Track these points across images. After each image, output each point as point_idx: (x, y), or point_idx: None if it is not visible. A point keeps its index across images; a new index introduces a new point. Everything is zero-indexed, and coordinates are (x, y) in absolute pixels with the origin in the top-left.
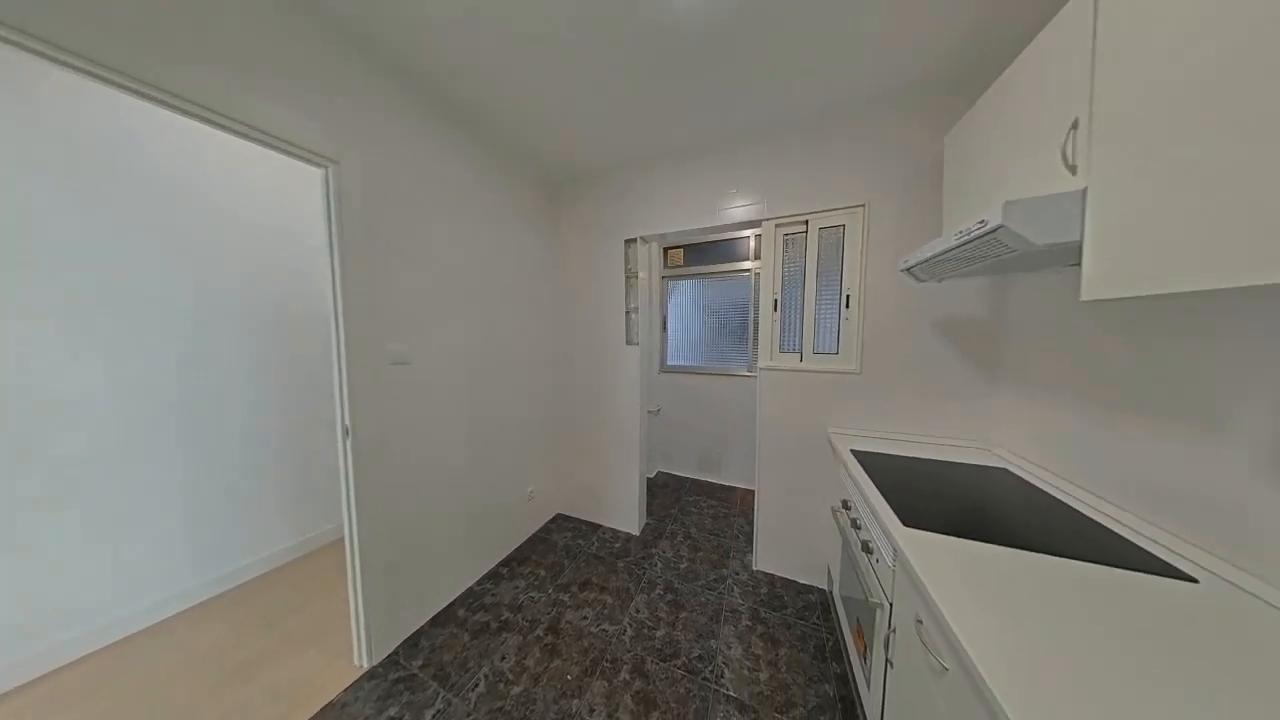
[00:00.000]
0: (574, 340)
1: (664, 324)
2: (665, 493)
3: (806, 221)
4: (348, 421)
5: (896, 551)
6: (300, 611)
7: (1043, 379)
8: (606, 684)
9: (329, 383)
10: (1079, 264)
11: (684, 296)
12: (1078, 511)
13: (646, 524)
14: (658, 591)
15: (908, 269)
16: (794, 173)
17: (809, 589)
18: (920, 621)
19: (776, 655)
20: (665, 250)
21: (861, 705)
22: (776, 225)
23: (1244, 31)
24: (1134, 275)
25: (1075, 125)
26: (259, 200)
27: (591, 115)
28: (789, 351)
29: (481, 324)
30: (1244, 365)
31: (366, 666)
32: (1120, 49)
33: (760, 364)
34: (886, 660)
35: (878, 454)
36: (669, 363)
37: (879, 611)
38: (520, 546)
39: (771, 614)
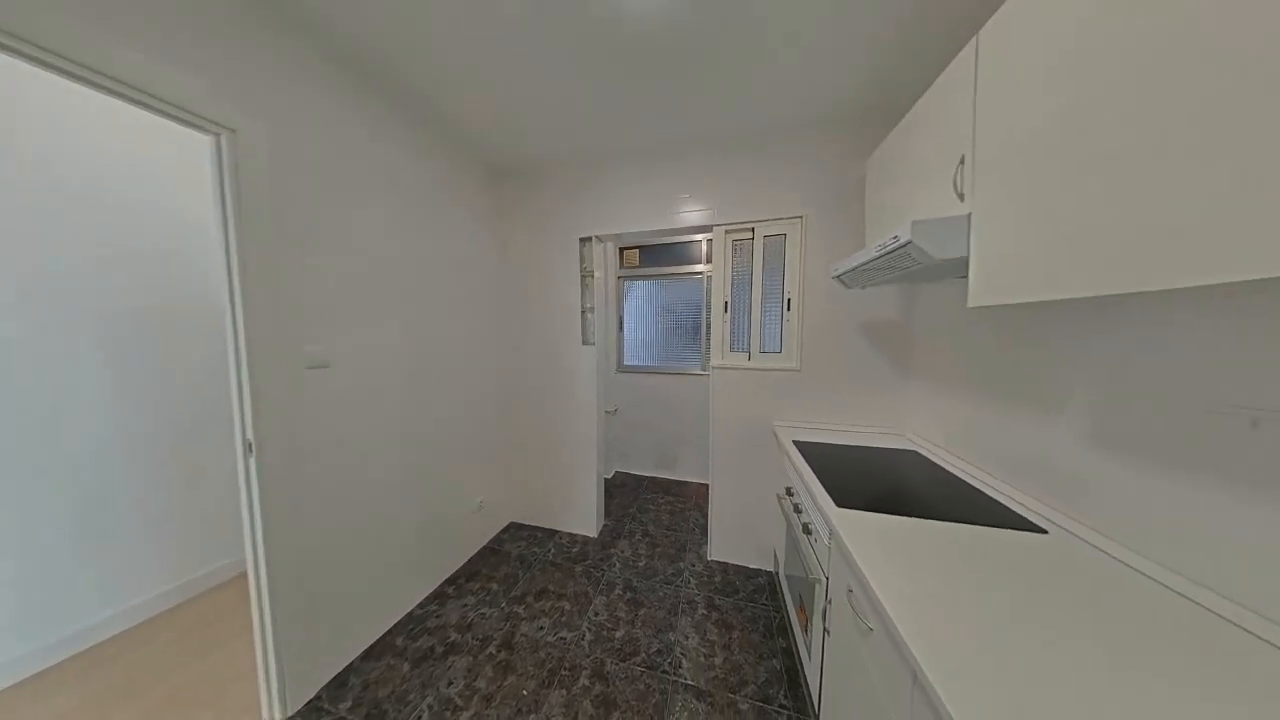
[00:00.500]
0: (527, 340)
1: (620, 324)
2: (623, 492)
3: (753, 229)
4: (250, 435)
5: (831, 530)
6: (186, 667)
7: (942, 373)
8: (565, 693)
9: (224, 390)
10: (967, 276)
11: (640, 297)
12: (966, 483)
13: (605, 525)
14: (617, 591)
15: (838, 276)
16: (741, 183)
17: (758, 572)
18: (851, 591)
19: (730, 639)
20: (621, 250)
21: (804, 674)
22: (726, 231)
23: (1072, 95)
24: (1002, 287)
25: (962, 161)
26: (117, 170)
27: (542, 108)
28: (738, 351)
29: (421, 322)
30: (1072, 361)
31: (280, 718)
32: (991, 102)
33: (713, 363)
34: (824, 630)
35: (816, 443)
36: (626, 363)
37: (817, 586)
38: (470, 561)
39: (725, 600)
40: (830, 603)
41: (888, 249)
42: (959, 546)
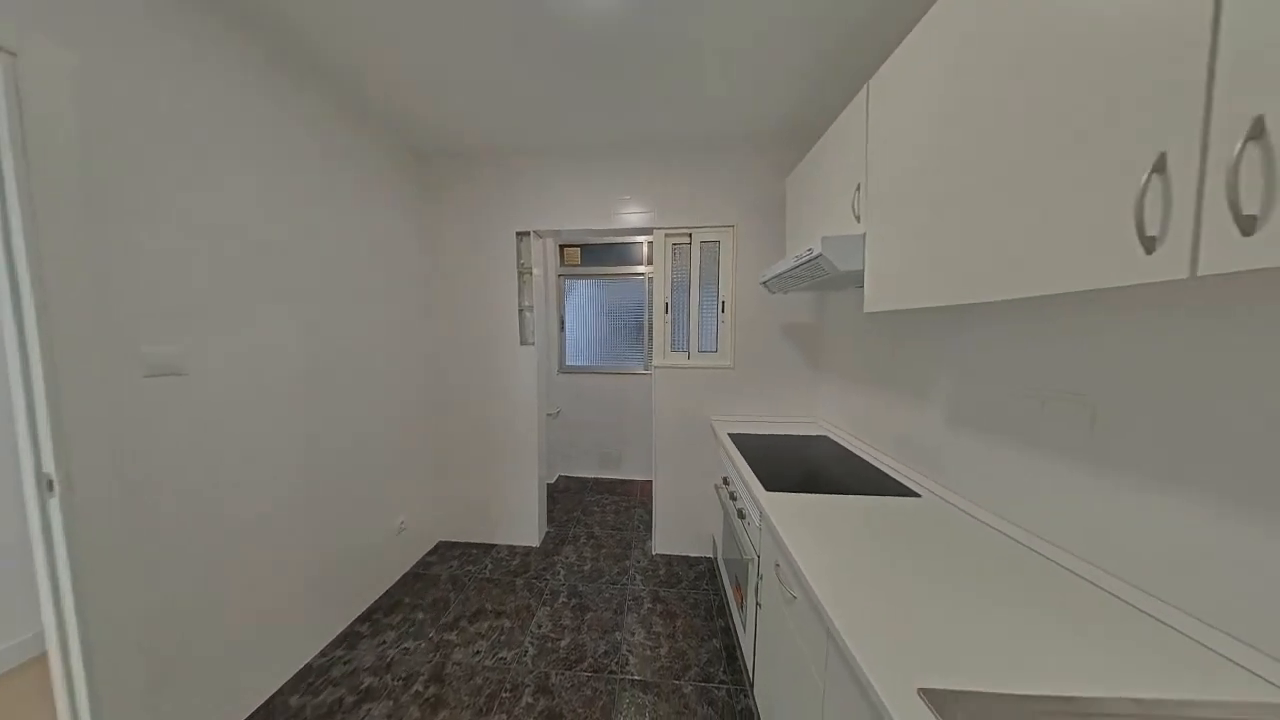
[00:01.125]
0: (459, 340)
1: (562, 323)
2: (567, 497)
3: (690, 234)
4: (51, 468)
5: (762, 512)
6: None
7: (846, 368)
8: (506, 716)
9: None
10: (863, 286)
11: (582, 296)
12: (865, 460)
13: (548, 533)
14: (562, 599)
15: (764, 282)
16: (680, 189)
17: (699, 560)
18: (778, 565)
19: (674, 627)
20: (561, 248)
21: (740, 647)
22: (666, 235)
23: (935, 143)
24: (888, 296)
25: (858, 188)
26: None
27: (475, 89)
28: (679, 351)
29: (324, 320)
30: (938, 358)
31: None
32: (878, 141)
33: (655, 362)
34: (757, 604)
35: (748, 434)
36: (568, 363)
37: (751, 565)
38: (389, 591)
39: (669, 591)
40: (761, 578)
41: (803, 260)
42: (860, 514)
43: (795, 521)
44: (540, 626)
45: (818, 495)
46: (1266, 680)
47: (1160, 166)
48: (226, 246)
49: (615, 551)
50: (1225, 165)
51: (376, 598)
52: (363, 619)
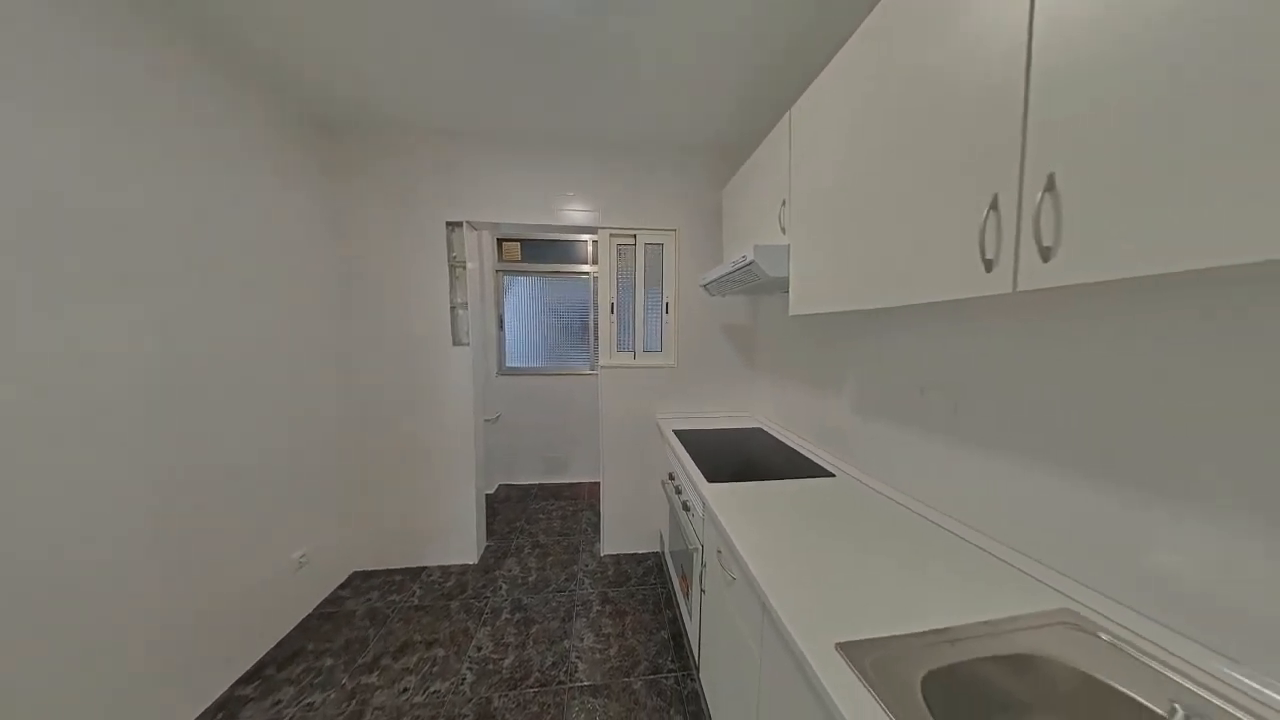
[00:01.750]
0: (380, 341)
1: (500, 322)
2: (509, 506)
3: (635, 235)
4: None
5: (705, 503)
6: None
7: (776, 366)
8: None
9: None
10: (789, 291)
11: (523, 294)
12: (792, 448)
13: (488, 547)
14: (504, 616)
15: (704, 285)
16: (626, 191)
17: (647, 556)
18: (720, 551)
19: (623, 625)
20: (500, 242)
21: (686, 634)
22: (611, 235)
23: (844, 168)
24: (808, 301)
25: (784, 203)
26: None
27: (388, 58)
28: (624, 351)
29: (186, 316)
30: (849, 356)
31: None
32: (800, 162)
33: (601, 363)
34: (701, 590)
35: (691, 430)
36: (508, 365)
37: (695, 554)
38: (285, 639)
39: (618, 591)
40: (705, 566)
41: (738, 265)
42: (787, 497)
43: (734, 509)
44: (480, 649)
45: (753, 483)
46: (1063, 593)
47: (995, 205)
48: (28, 219)
49: (562, 558)
50: (1032, 208)
51: (267, 649)
52: (248, 678)
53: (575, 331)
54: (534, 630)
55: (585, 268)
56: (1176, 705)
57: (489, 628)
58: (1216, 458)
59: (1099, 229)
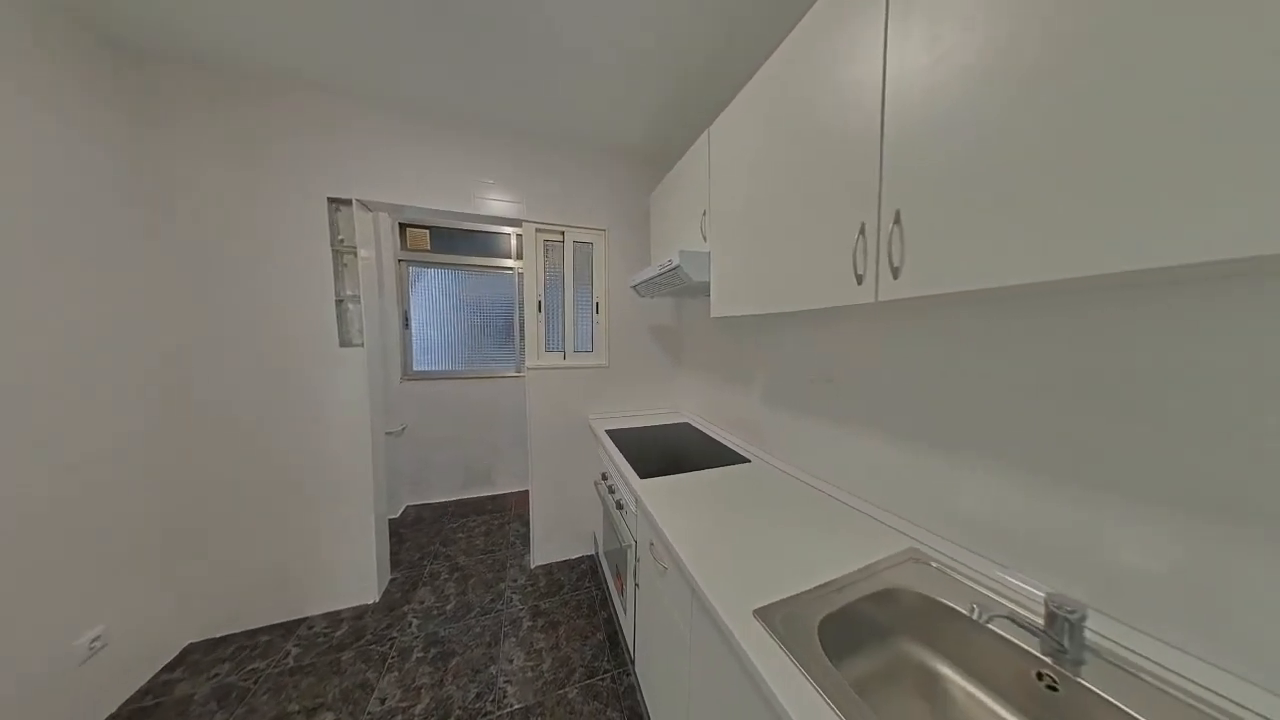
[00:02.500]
0: (228, 342)
1: (406, 320)
2: (420, 530)
3: (563, 233)
4: None
5: (637, 498)
6: None
7: (700, 364)
8: None
9: None
10: (710, 295)
11: (434, 288)
12: (714, 439)
13: (393, 580)
14: (416, 655)
15: (633, 286)
16: (553, 186)
17: (580, 560)
18: (652, 544)
19: (557, 636)
20: (403, 227)
21: (621, 631)
22: (537, 230)
23: (751, 188)
24: (726, 304)
25: (705, 213)
26: None
27: None
28: (553, 351)
29: None
30: (759, 353)
31: None
32: (718, 177)
33: (528, 364)
34: (635, 585)
35: (623, 429)
36: (416, 368)
37: (629, 550)
38: None
39: (550, 602)
40: (639, 561)
41: (665, 269)
42: (710, 484)
43: (664, 501)
44: (384, 700)
45: (681, 475)
46: (910, 536)
47: (862, 231)
48: None
49: (486, 577)
50: (886, 236)
51: None
52: None
53: (499, 330)
54: (454, 663)
55: (509, 262)
56: (974, 605)
57: (395, 673)
58: (994, 426)
59: (928, 255)
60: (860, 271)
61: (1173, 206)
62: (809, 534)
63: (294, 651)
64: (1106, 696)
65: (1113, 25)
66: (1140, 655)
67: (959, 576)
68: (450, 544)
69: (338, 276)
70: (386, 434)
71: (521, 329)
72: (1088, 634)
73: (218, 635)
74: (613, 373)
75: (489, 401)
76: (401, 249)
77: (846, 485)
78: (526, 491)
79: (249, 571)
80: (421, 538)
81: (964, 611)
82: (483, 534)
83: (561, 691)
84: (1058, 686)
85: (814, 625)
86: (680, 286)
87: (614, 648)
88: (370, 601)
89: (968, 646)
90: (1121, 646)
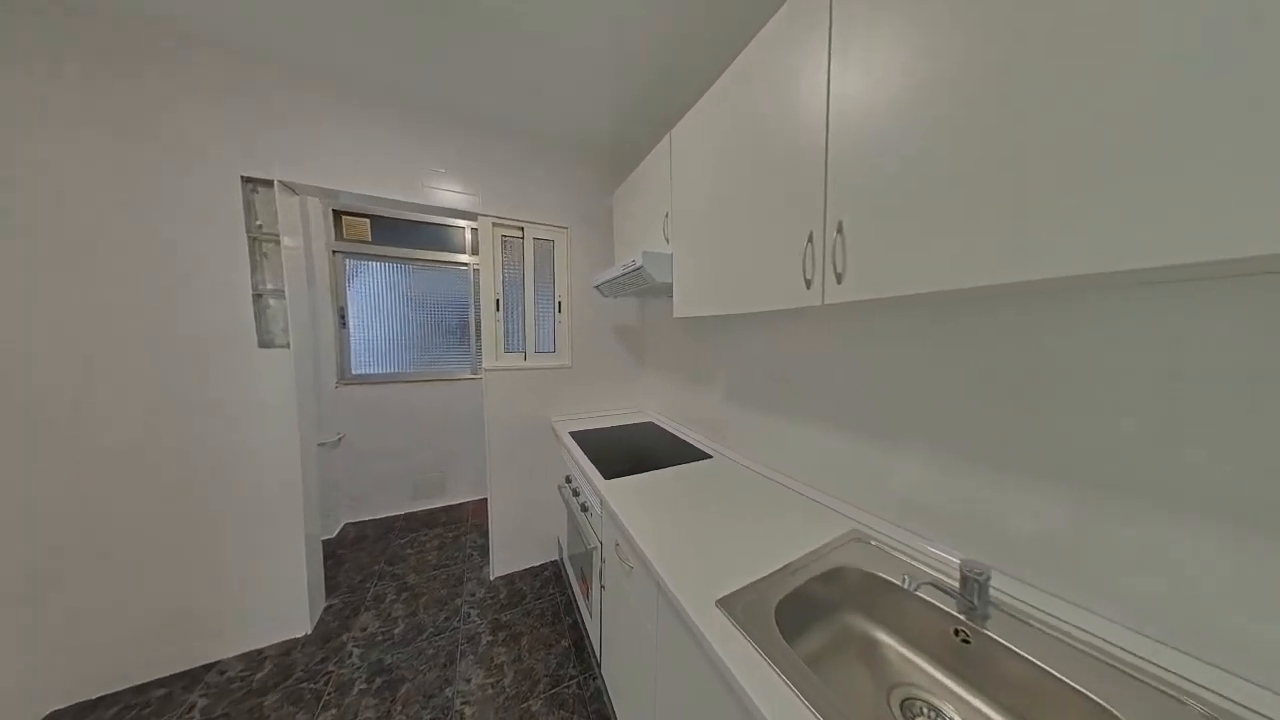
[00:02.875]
0: (106, 343)
1: (342, 318)
2: (360, 550)
3: (523, 228)
4: None
5: (602, 500)
6: None
7: (663, 363)
8: None
9: None
10: (673, 296)
11: (376, 283)
12: (678, 437)
13: (328, 608)
14: (358, 689)
15: (597, 286)
16: (512, 180)
17: (544, 567)
18: (618, 544)
19: (520, 648)
20: (338, 215)
21: (588, 635)
22: (495, 224)
23: (711, 192)
24: (689, 305)
25: (667, 215)
26: None
27: None
28: (513, 351)
29: None
30: (722, 353)
31: None
32: (680, 180)
33: (486, 365)
34: (601, 586)
35: (587, 430)
36: (355, 371)
37: (595, 553)
38: None
39: (511, 613)
40: (605, 563)
41: (629, 269)
42: (674, 481)
43: (630, 501)
44: None
45: (646, 474)
46: (852, 519)
47: (811, 239)
48: None
49: (440, 594)
50: (830, 244)
51: None
52: None
53: (453, 329)
54: (404, 691)
55: (463, 258)
56: (906, 576)
57: (332, 711)
58: (921, 416)
59: (866, 263)
60: (809, 276)
61: (1050, 227)
62: (766, 523)
63: (200, 704)
64: (1007, 644)
65: (1002, 78)
66: (1032, 606)
67: (893, 552)
68: (398, 562)
69: (256, 268)
70: (319, 445)
71: (478, 328)
72: (992, 592)
73: (94, 696)
74: (576, 373)
75: (441, 406)
76: (337, 239)
77: (799, 475)
78: (485, 500)
79: (137, 616)
80: (363, 558)
81: (897, 582)
82: (435, 548)
83: (525, 705)
84: (970, 640)
85: (771, 609)
86: (644, 287)
87: (580, 653)
88: (301, 634)
89: (900, 614)
90: (1018, 600)
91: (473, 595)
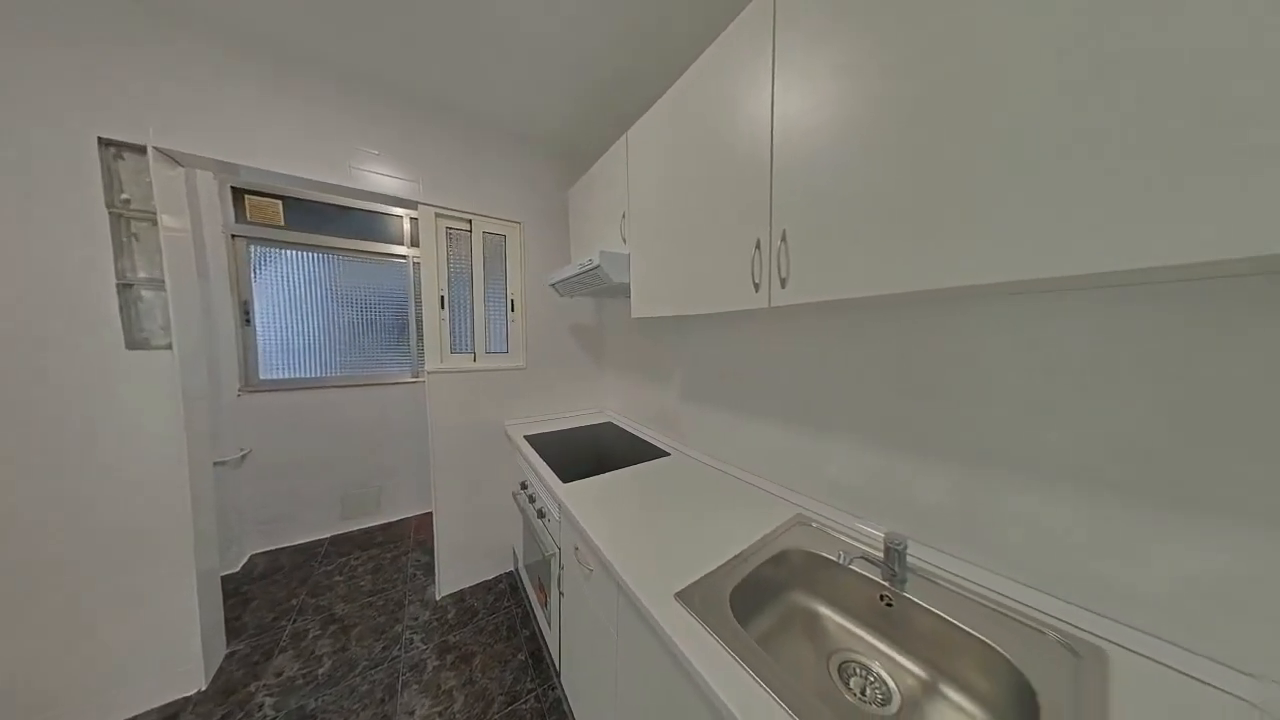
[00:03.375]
0: None
1: (247, 314)
2: (273, 584)
3: (470, 221)
4: None
5: (560, 505)
6: None
7: (622, 363)
8: None
9: None
10: (630, 296)
11: (292, 274)
12: (637, 436)
13: (229, 655)
14: None
15: (552, 284)
16: (457, 167)
17: (498, 580)
18: (577, 548)
19: (471, 669)
20: (240, 194)
21: (546, 645)
22: (438, 215)
23: (665, 195)
24: (646, 305)
25: (624, 215)
26: None
27: None
28: (461, 352)
29: None
30: (678, 352)
31: None
32: (636, 182)
33: (429, 367)
34: (560, 593)
35: (544, 433)
36: (265, 375)
37: (553, 559)
38: None
39: (461, 633)
40: (563, 568)
41: (585, 268)
42: (633, 480)
43: (589, 503)
44: None
45: (606, 475)
46: (796, 504)
47: (759, 245)
48: None
49: (376, 623)
50: (775, 251)
51: None
52: None
53: (388, 328)
54: None
55: (400, 249)
56: (841, 552)
57: None
58: (851, 407)
59: (806, 269)
60: (757, 280)
61: (945, 245)
62: (721, 515)
63: None
64: (922, 603)
65: (910, 118)
66: (938, 568)
67: (831, 531)
68: (323, 592)
69: (122, 252)
70: (216, 464)
71: (419, 327)
72: (910, 559)
73: None
74: (531, 374)
75: (377, 413)
76: (239, 221)
77: (751, 467)
78: (429, 514)
79: None
80: (277, 592)
81: (834, 559)
82: (370, 572)
83: None
84: (893, 603)
85: (726, 596)
86: (601, 286)
87: (538, 665)
88: (194, 690)
89: (837, 587)
90: (929, 564)
91: (416, 619)
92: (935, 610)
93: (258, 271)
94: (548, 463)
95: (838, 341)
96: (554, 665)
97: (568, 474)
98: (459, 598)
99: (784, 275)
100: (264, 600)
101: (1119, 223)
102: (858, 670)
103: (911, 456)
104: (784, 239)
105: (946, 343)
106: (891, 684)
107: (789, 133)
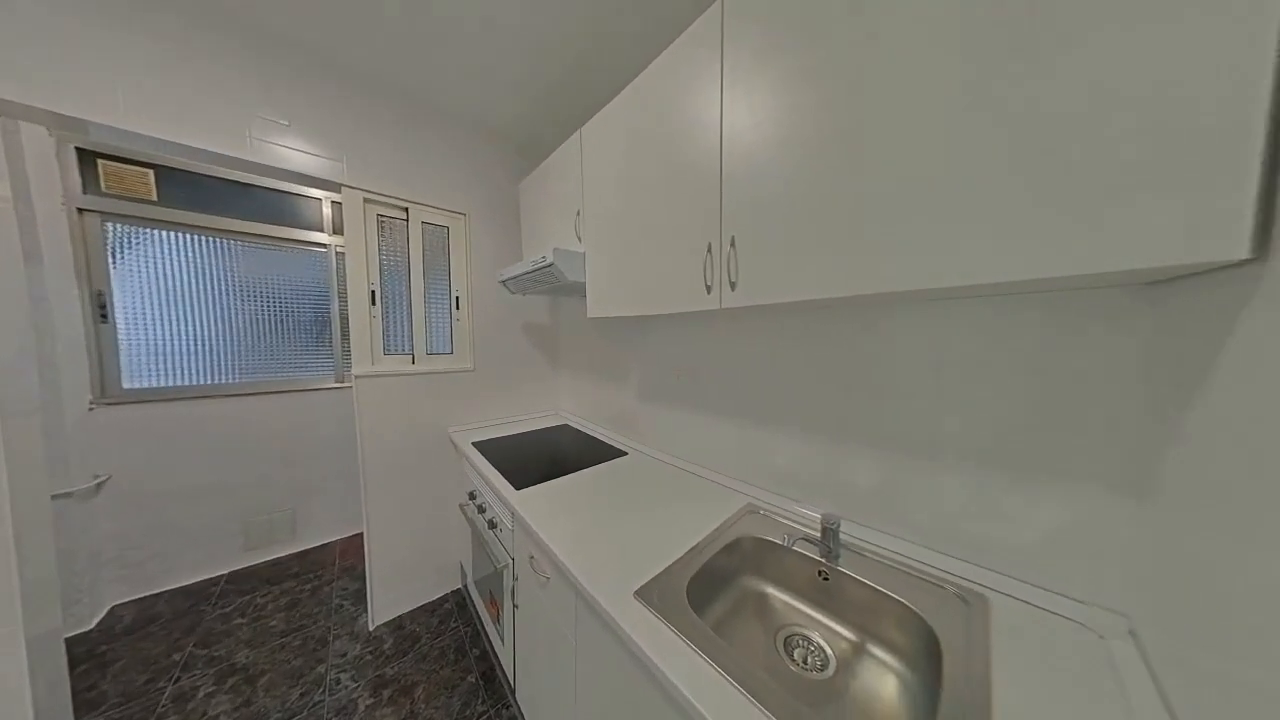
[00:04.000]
0: None
1: (103, 309)
2: (146, 639)
3: (407, 209)
4: None
5: (514, 513)
6: None
7: (577, 364)
8: None
9: None
10: (586, 295)
11: (171, 261)
12: (594, 438)
13: None
14: None
15: (503, 281)
16: (390, 148)
17: (443, 600)
18: (532, 557)
19: (413, 702)
20: (93, 158)
21: (500, 663)
22: (367, 200)
23: (621, 197)
24: (602, 305)
25: (579, 213)
26: None
27: None
28: (398, 353)
29: None
30: (635, 352)
31: None
32: (590, 180)
33: (356, 370)
34: (514, 606)
35: (494, 439)
36: (130, 384)
37: (506, 571)
38: None
39: (401, 663)
40: (517, 579)
41: (539, 265)
42: (591, 482)
43: (544, 509)
44: None
45: (562, 479)
46: (747, 495)
47: (710, 250)
48: None
49: (291, 667)
50: (725, 255)
51: None
52: None
53: (305, 327)
54: None
55: (321, 237)
56: (786, 535)
57: None
58: (795, 401)
59: (753, 273)
60: (709, 283)
61: (871, 256)
62: (678, 510)
63: None
64: (853, 575)
65: (841, 138)
66: (866, 542)
67: (778, 517)
68: (218, 640)
69: None
70: (57, 497)
71: (344, 325)
72: (843, 536)
73: None
74: (479, 377)
75: (289, 425)
76: (89, 192)
77: (706, 462)
78: (359, 535)
79: None
80: (152, 648)
81: (779, 542)
82: (283, 609)
83: None
84: (829, 577)
85: (683, 588)
86: (556, 285)
87: (490, 685)
88: None
89: (782, 568)
90: (860, 540)
91: (343, 655)
92: (863, 579)
93: (118, 256)
94: (499, 469)
95: (788, 342)
96: (508, 682)
97: (521, 480)
98: (397, 625)
99: (734, 279)
100: (132, 660)
101: (995, 239)
102: (800, 641)
103: (848, 445)
104: (733, 244)
105: (875, 344)
106: (829, 650)
107: (738, 141)
